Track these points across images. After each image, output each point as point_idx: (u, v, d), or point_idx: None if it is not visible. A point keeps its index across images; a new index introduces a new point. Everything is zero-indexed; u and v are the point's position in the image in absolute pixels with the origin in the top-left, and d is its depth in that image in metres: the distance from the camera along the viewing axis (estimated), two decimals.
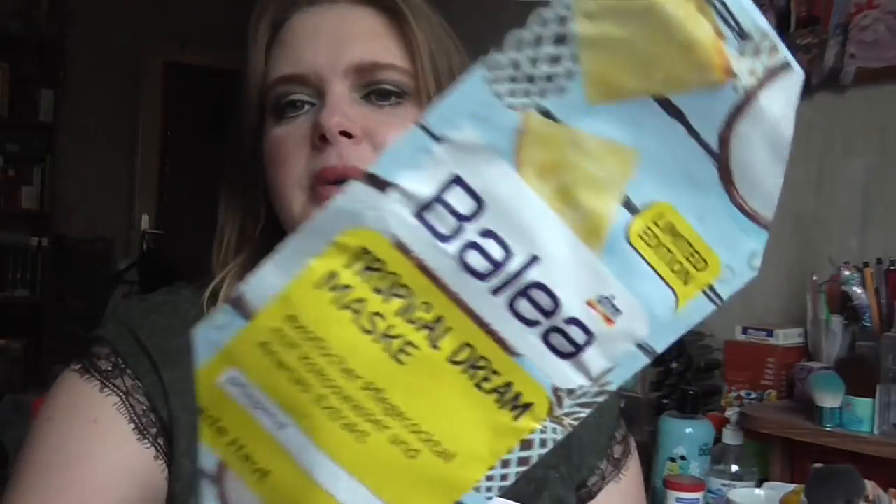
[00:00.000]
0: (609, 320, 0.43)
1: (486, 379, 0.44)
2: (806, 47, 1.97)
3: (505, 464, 0.45)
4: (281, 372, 0.44)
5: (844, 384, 1.50)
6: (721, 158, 0.42)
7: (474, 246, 0.42)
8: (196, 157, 5.48)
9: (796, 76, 0.41)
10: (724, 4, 0.40)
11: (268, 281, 0.43)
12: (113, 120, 4.99)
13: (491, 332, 0.43)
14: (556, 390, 0.44)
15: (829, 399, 1.50)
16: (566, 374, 0.44)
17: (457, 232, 0.42)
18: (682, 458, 1.54)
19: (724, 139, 0.42)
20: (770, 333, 1.76)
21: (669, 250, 0.43)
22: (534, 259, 0.42)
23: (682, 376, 1.92)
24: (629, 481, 0.81)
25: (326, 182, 0.65)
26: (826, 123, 1.96)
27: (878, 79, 1.85)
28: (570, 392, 0.45)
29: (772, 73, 0.41)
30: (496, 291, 0.42)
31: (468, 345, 0.43)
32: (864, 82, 1.87)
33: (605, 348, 0.44)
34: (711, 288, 0.45)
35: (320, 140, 0.65)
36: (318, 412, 0.44)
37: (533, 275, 0.42)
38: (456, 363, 0.44)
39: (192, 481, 0.66)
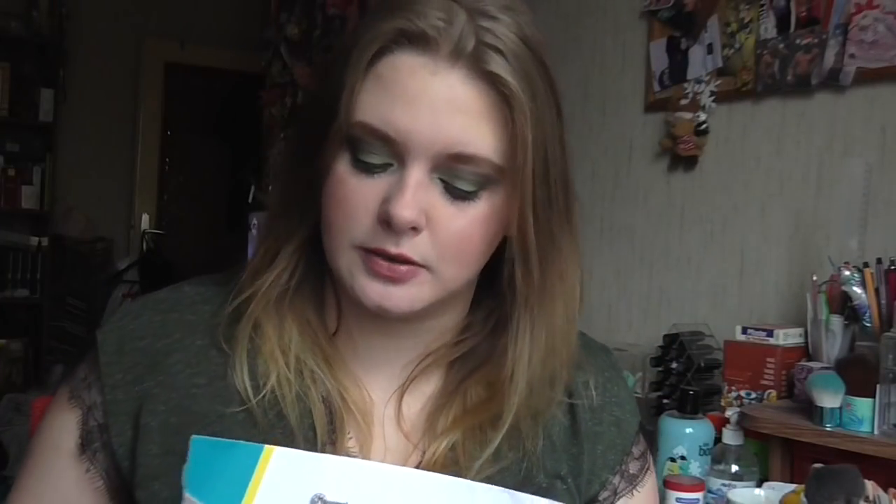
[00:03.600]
0: None
1: None
2: (806, 47, 1.97)
3: None
4: None
5: (844, 384, 1.50)
6: None
7: None
8: (196, 157, 5.47)
9: None
10: None
11: None
12: (113, 120, 4.99)
13: None
14: None
15: (829, 399, 1.50)
16: None
17: None
18: (682, 458, 1.54)
19: None
20: (770, 333, 1.76)
21: None
22: None
23: (682, 376, 1.92)
24: (643, 498, 0.81)
25: (378, 255, 0.66)
26: (826, 123, 1.96)
27: (878, 79, 1.85)
28: None
29: None
30: None
31: None
32: (864, 82, 1.87)
33: None
34: None
35: (386, 221, 0.65)
36: None
37: None
38: None
39: (160, 479, 0.68)
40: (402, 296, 0.67)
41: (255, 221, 3.85)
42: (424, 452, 0.71)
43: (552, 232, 0.70)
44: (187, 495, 0.55)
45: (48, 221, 4.67)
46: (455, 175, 0.65)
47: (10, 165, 4.65)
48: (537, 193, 0.67)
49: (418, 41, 0.64)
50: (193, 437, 0.57)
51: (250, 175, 4.36)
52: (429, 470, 0.67)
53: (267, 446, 0.57)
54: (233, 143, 5.29)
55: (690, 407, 1.57)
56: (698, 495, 1.35)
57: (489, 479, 0.67)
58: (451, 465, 0.70)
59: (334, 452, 0.69)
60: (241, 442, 0.58)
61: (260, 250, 0.73)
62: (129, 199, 5.09)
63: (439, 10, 0.64)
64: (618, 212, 2.44)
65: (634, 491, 0.79)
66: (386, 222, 0.64)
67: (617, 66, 2.46)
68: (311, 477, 0.56)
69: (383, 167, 0.65)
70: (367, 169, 0.65)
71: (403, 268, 0.66)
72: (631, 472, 0.80)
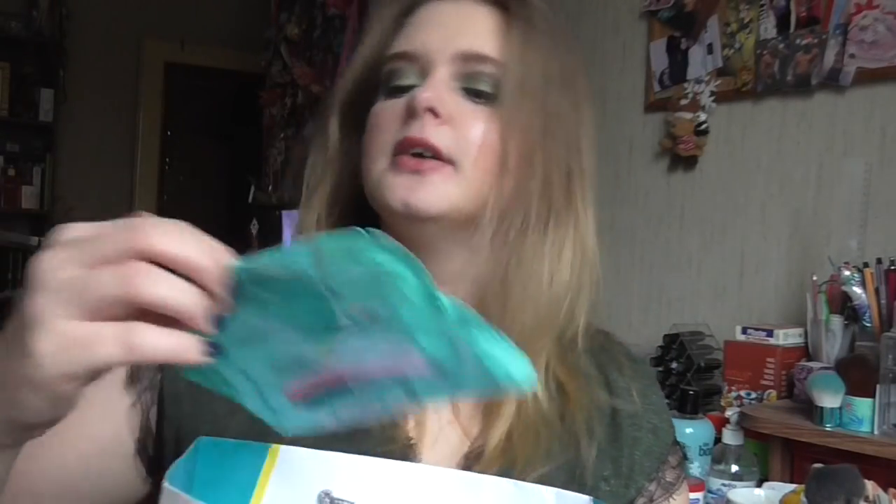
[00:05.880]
0: None
1: None
2: (806, 47, 1.97)
3: None
4: None
5: (844, 384, 1.50)
6: None
7: None
8: (196, 157, 5.48)
9: None
10: None
11: None
12: (113, 120, 4.99)
13: None
14: None
15: (829, 399, 1.50)
16: None
17: None
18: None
19: None
20: (770, 333, 1.76)
21: None
22: None
23: (682, 376, 1.92)
24: None
25: (404, 151, 0.70)
26: (826, 123, 1.96)
27: (878, 79, 1.85)
28: None
29: None
30: None
31: None
32: (864, 82, 1.87)
33: None
34: None
35: (409, 113, 0.70)
36: None
37: None
38: None
39: (190, 435, 0.65)
40: (429, 191, 0.69)
41: (254, 222, 3.85)
42: (483, 446, 0.70)
43: (556, 168, 0.77)
44: (194, 499, 0.54)
45: (48, 221, 4.67)
46: (472, 79, 0.72)
47: (10, 165, 4.66)
48: (539, 114, 0.73)
49: None
50: (199, 437, 0.57)
51: (250, 175, 4.36)
52: (485, 464, 0.68)
53: (273, 444, 0.57)
54: (233, 143, 5.30)
55: (690, 407, 1.57)
56: (698, 495, 1.35)
57: (541, 478, 0.68)
58: (505, 456, 0.69)
59: (398, 440, 0.68)
60: (248, 441, 0.57)
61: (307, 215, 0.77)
62: (129, 199, 5.10)
63: None
64: (618, 212, 2.44)
65: (671, 498, 0.81)
66: (409, 111, 0.70)
67: (617, 66, 2.46)
68: (318, 474, 0.56)
69: (411, 87, 0.72)
70: (398, 91, 0.73)
71: (429, 162, 0.69)
72: (667, 479, 0.81)
